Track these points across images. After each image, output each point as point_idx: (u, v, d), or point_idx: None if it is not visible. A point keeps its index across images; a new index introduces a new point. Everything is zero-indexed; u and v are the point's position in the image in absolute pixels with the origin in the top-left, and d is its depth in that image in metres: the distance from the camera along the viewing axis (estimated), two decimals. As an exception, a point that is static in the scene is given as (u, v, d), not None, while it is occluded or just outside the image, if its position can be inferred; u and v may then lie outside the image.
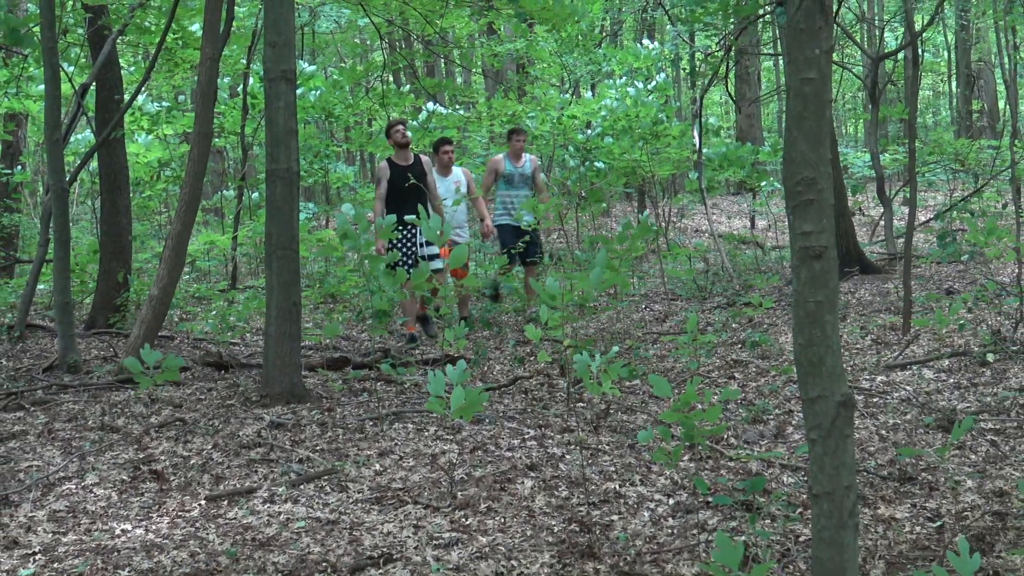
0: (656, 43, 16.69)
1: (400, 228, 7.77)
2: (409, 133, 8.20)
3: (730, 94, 15.88)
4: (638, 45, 15.96)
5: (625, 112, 12.72)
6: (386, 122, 9.90)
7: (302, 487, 4.25)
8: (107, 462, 4.67)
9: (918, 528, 3.62)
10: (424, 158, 8.12)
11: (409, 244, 7.97)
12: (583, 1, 10.29)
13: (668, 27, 17.59)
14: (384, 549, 3.55)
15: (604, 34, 19.94)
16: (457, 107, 16.58)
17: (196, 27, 9.99)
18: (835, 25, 11.29)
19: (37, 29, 7.41)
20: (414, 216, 7.29)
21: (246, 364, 6.98)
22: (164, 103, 13.19)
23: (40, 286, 10.09)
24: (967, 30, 21.43)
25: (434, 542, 3.60)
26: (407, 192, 7.83)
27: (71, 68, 11.13)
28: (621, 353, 6.67)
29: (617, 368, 4.43)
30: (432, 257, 7.88)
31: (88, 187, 15.47)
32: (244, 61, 12.22)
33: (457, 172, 8.76)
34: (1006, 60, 18.40)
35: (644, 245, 8.57)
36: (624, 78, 14.50)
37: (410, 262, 7.82)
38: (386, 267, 7.02)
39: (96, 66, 8.43)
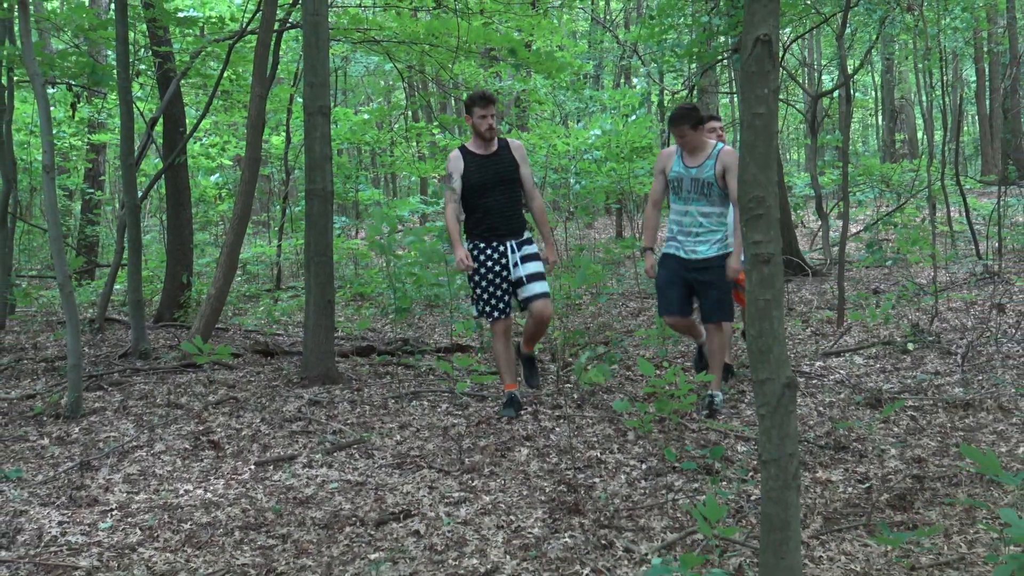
0: (641, 82, 16.70)
1: (482, 239, 4.95)
2: (494, 123, 4.92)
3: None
4: (626, 86, 15.97)
5: (618, 136, 12.74)
6: (411, 143, 8.63)
7: (335, 454, 4.24)
8: (172, 433, 4.66)
9: (850, 489, 3.62)
10: (515, 143, 5.00)
11: (495, 261, 4.92)
12: (571, 55, 10.30)
13: (641, 70, 17.58)
14: (404, 506, 3.54)
15: (587, 77, 19.92)
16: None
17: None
18: (781, 68, 11.28)
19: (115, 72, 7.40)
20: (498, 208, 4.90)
21: (288, 352, 6.97)
22: (223, 138, 13.23)
23: (116, 286, 10.08)
24: (891, 72, 21.43)
25: (445, 500, 3.60)
26: (488, 190, 4.90)
27: (146, 104, 11.15)
28: (602, 342, 6.66)
29: (603, 370, 4.43)
30: (534, 277, 4.89)
31: (157, 204, 15.46)
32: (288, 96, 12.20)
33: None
34: (924, 98, 18.38)
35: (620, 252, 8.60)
36: (608, 113, 14.49)
37: (500, 288, 4.88)
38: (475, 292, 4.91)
39: (163, 103, 8.43)
